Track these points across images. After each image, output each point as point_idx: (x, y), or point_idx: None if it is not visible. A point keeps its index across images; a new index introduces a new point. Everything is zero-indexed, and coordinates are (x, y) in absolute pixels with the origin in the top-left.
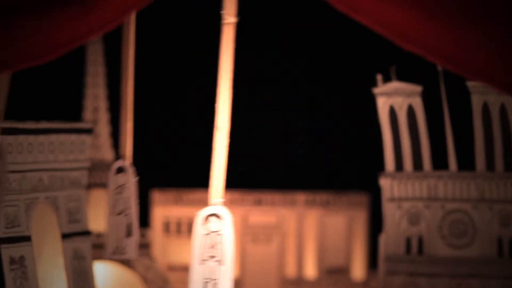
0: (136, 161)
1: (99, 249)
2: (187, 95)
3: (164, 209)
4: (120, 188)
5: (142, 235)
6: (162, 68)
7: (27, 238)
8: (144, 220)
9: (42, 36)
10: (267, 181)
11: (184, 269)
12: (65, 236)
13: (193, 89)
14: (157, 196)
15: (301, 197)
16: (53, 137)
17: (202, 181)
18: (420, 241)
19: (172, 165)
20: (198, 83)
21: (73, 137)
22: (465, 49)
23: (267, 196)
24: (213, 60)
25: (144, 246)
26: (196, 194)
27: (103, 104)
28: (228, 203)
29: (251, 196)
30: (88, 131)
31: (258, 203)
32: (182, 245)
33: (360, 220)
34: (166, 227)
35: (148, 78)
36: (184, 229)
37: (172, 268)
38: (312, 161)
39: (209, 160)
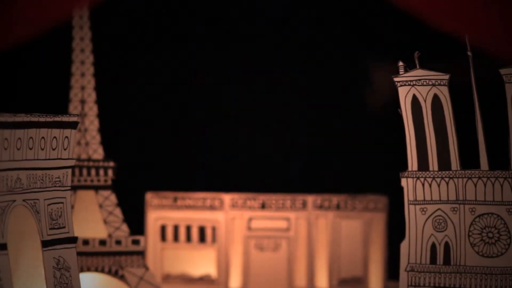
0: (131, 163)
1: (86, 258)
2: (184, 98)
3: (159, 213)
4: None
5: (135, 242)
6: (160, 73)
7: (3, 246)
8: (139, 225)
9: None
10: (273, 183)
11: (182, 279)
12: (46, 244)
13: (190, 93)
14: (152, 199)
15: (311, 200)
16: (32, 132)
17: (200, 184)
18: (447, 249)
19: (168, 167)
20: (195, 87)
21: (56, 132)
22: (499, 19)
23: (273, 199)
24: (212, 65)
25: (138, 254)
26: (195, 196)
27: (90, 96)
28: (231, 207)
29: (256, 199)
30: (73, 125)
31: (264, 206)
32: (180, 253)
33: (378, 225)
34: (162, 232)
35: (145, 82)
36: (182, 234)
37: (168, 278)
38: (323, 161)
39: (206, 163)
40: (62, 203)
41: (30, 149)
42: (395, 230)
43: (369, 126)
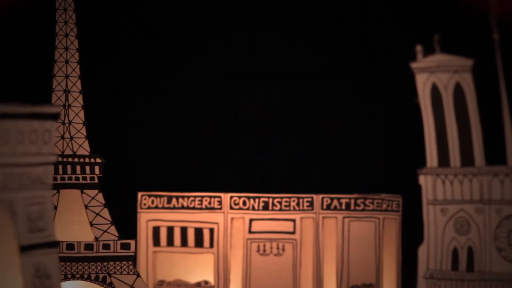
0: (120, 159)
1: (71, 264)
2: (181, 90)
3: (152, 215)
4: None
5: (125, 246)
6: (155, 73)
7: None
8: (129, 228)
9: None
10: (277, 182)
11: (177, 287)
12: (24, 249)
13: (185, 94)
14: (144, 199)
15: (319, 199)
16: (8, 124)
17: (196, 183)
18: (470, 254)
19: (161, 164)
20: (190, 88)
21: (35, 124)
22: None
23: (277, 198)
24: (206, 66)
25: (128, 260)
26: (191, 196)
27: (75, 85)
28: (231, 208)
29: (257, 199)
30: (54, 116)
31: (267, 207)
32: (174, 258)
33: (392, 227)
34: (155, 236)
35: (142, 82)
36: (177, 238)
37: (162, 285)
38: (331, 158)
39: (203, 159)
40: (43, 203)
41: (6, 143)
42: (411, 233)
43: (382, 118)
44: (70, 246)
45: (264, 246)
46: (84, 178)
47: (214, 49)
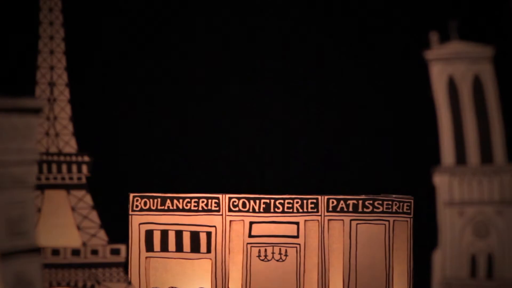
0: (110, 158)
1: (56, 271)
2: (175, 85)
3: (145, 217)
4: None
5: (115, 252)
6: (149, 67)
7: None
8: (120, 232)
9: None
10: (279, 182)
11: None
12: (4, 255)
13: (184, 90)
14: (136, 201)
15: (324, 201)
16: None
17: (193, 183)
18: (490, 260)
19: (155, 163)
20: (187, 88)
21: (16, 119)
22: None
23: (279, 200)
24: (204, 62)
25: (118, 266)
26: (186, 198)
27: (61, 78)
28: (229, 210)
29: (258, 200)
30: (37, 111)
31: (268, 209)
32: (169, 264)
33: (402, 230)
34: (148, 240)
35: (135, 76)
36: (172, 242)
37: None
38: (337, 156)
39: (200, 158)
40: (25, 205)
41: None
42: (423, 237)
43: (392, 112)
44: (56, 251)
45: (266, 251)
46: (71, 178)
47: (212, 46)
